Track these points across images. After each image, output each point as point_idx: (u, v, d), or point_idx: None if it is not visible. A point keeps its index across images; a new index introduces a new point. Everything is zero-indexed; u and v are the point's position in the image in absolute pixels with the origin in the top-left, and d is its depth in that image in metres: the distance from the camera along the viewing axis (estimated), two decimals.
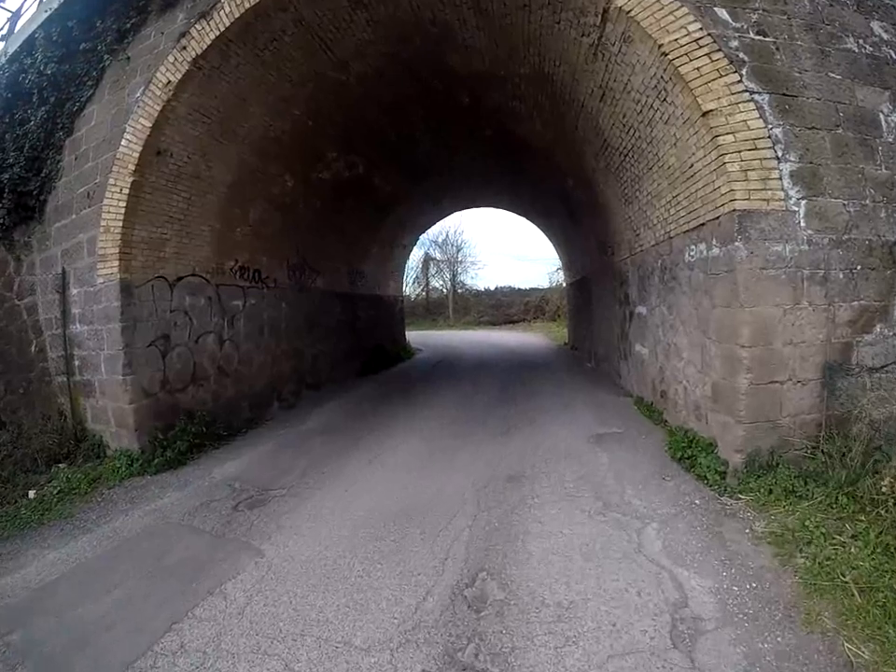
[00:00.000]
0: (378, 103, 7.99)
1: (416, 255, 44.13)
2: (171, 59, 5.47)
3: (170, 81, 5.50)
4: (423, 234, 16.77)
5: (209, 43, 5.31)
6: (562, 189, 10.47)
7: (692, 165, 4.36)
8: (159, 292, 6.09)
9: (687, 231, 4.79)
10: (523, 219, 17.50)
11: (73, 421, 6.23)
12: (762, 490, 3.69)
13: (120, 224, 5.63)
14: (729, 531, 3.38)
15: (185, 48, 5.42)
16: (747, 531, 3.35)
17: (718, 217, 4.06)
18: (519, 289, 36.79)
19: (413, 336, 22.71)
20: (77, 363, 6.23)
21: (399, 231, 14.67)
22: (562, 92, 6.44)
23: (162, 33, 5.68)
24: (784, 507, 3.46)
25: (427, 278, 40.23)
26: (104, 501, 4.82)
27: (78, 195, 6.17)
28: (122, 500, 4.80)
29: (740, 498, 3.74)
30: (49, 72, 6.22)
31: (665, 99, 4.37)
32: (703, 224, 4.39)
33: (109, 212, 5.68)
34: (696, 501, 3.85)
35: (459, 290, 38.88)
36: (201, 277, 6.78)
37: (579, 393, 8.29)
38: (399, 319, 16.59)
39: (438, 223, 16.90)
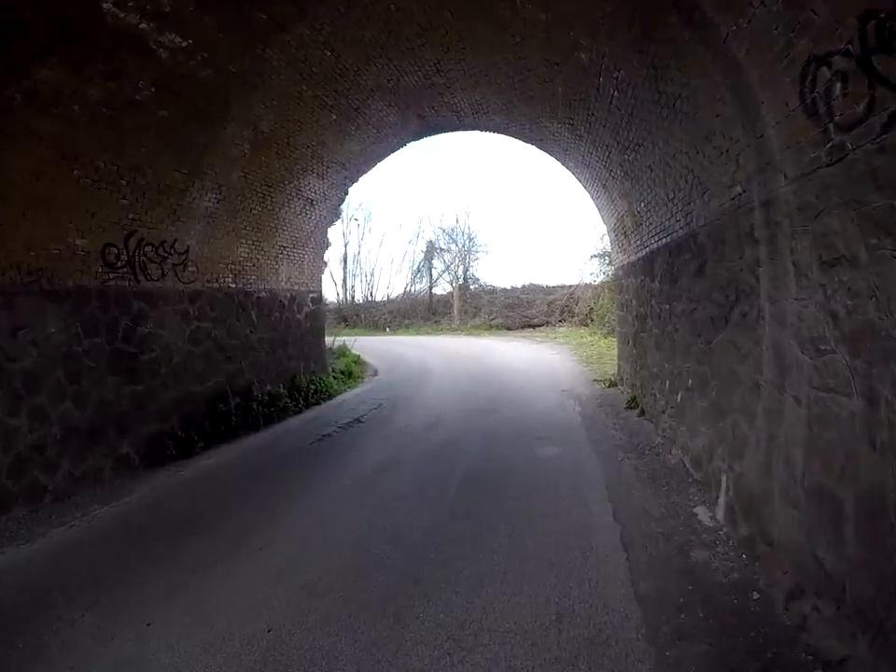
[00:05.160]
0: None
1: (420, 245, 36.61)
2: None
3: None
4: (353, 183, 9.46)
5: None
6: None
7: None
8: None
9: None
10: (539, 157, 9.99)
11: None
12: None
13: None
14: None
15: None
16: None
17: None
18: (542, 286, 28.78)
19: (394, 345, 17.53)
20: None
21: (280, 166, 7.48)
22: None
23: None
24: None
25: (431, 273, 33.05)
26: None
27: None
28: None
29: None
30: None
31: None
32: None
33: None
34: None
35: (472, 287, 31.45)
36: None
37: None
38: (306, 333, 9.39)
39: (378, 161, 9.50)
